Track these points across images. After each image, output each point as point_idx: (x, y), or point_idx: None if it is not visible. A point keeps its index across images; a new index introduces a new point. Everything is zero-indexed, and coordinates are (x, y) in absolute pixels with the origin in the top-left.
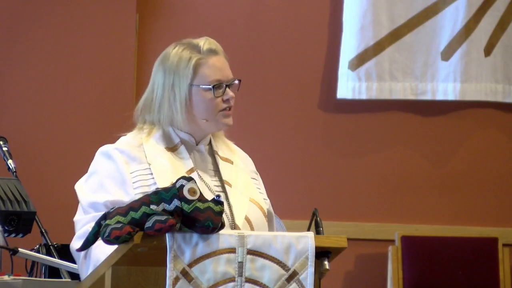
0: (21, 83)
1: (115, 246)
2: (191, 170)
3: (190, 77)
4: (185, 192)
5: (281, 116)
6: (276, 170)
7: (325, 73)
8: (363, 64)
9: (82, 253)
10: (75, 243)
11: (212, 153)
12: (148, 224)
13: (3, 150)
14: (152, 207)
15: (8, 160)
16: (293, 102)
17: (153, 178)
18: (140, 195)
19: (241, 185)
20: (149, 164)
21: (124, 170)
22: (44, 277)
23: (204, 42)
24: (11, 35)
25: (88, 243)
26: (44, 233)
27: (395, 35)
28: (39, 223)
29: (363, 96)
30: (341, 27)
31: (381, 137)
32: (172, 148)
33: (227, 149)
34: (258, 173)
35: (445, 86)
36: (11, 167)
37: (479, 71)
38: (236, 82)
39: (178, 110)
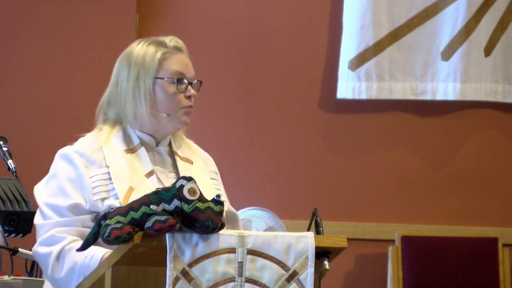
0: (21, 83)
1: (92, 247)
2: (150, 173)
3: (155, 70)
4: (185, 192)
5: (281, 116)
6: (276, 170)
7: (325, 73)
8: (363, 64)
9: (53, 256)
10: (40, 248)
11: (172, 154)
12: (148, 224)
13: (3, 150)
14: (152, 207)
15: (8, 160)
16: (293, 102)
17: (112, 183)
18: (100, 201)
19: (200, 185)
20: (108, 167)
21: (83, 174)
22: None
23: (170, 39)
24: (11, 35)
25: (88, 244)
26: None
27: (395, 35)
28: None
29: (363, 96)
30: (341, 27)
31: (381, 137)
32: (131, 149)
33: (187, 148)
34: (218, 173)
35: (445, 86)
36: (11, 167)
37: (479, 71)
38: (196, 82)
39: (142, 103)
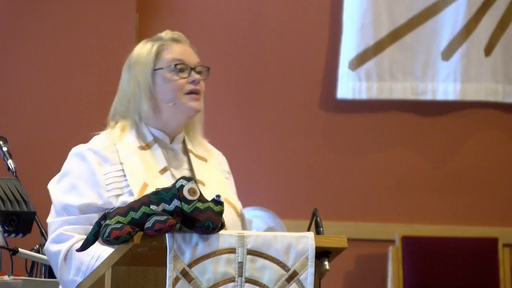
0: (21, 83)
1: (100, 247)
2: (164, 170)
3: (152, 63)
4: (185, 192)
5: (282, 116)
6: (276, 170)
7: (325, 73)
8: (363, 64)
9: (61, 255)
10: (51, 246)
11: (186, 151)
12: (148, 224)
13: (3, 150)
14: (152, 207)
15: (8, 160)
16: (293, 102)
17: (126, 180)
18: (114, 198)
19: (215, 184)
20: (122, 164)
21: (97, 171)
22: (44, 277)
23: (166, 33)
24: (11, 35)
25: (88, 244)
26: (44, 233)
27: (395, 35)
28: (39, 223)
29: (363, 96)
30: (341, 27)
31: (381, 137)
32: (145, 146)
33: (201, 147)
34: (231, 173)
35: (445, 86)
36: (11, 167)
37: (479, 71)
38: (202, 68)
39: (142, 98)
